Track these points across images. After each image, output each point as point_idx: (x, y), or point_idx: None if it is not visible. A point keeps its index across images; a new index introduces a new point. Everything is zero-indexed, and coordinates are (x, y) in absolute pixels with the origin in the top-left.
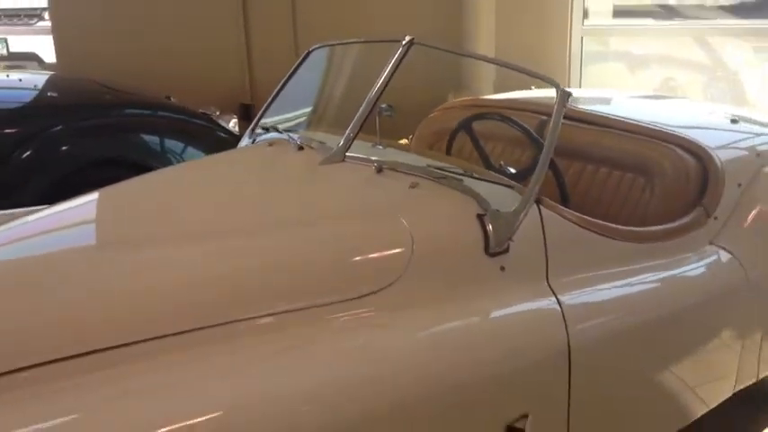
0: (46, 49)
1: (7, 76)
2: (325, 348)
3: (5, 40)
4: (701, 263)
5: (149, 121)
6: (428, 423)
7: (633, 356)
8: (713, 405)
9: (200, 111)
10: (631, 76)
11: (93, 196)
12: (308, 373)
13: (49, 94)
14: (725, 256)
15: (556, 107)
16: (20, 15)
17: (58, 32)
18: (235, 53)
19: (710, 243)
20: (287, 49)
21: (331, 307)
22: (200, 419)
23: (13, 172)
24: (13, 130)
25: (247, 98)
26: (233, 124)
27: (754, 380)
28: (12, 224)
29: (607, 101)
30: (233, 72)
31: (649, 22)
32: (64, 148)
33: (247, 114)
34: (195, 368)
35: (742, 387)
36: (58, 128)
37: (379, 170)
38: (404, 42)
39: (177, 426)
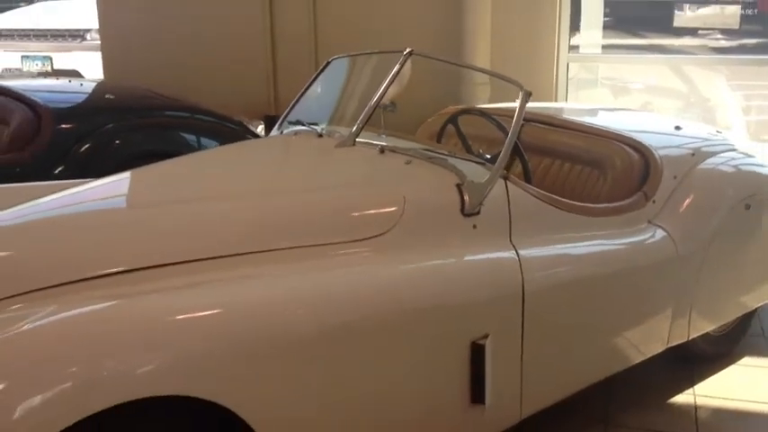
0: (85, 67)
1: (69, 81)
2: (328, 273)
3: (50, 59)
4: (640, 237)
5: (187, 122)
6: (410, 334)
7: (576, 303)
8: (648, 356)
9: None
10: (615, 100)
11: (155, 166)
12: (311, 287)
13: (106, 96)
14: (660, 233)
15: (519, 104)
16: (64, 36)
17: (105, 49)
18: (262, 70)
19: (649, 222)
20: (308, 67)
21: (338, 245)
22: (241, 308)
23: (73, 162)
24: (75, 127)
25: (272, 110)
26: (260, 129)
27: (684, 339)
28: (87, 186)
29: (578, 111)
30: (259, 87)
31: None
32: (117, 142)
33: (272, 125)
34: (232, 278)
35: (674, 344)
36: (111, 125)
37: (382, 151)
38: (404, 53)
39: (221, 311)
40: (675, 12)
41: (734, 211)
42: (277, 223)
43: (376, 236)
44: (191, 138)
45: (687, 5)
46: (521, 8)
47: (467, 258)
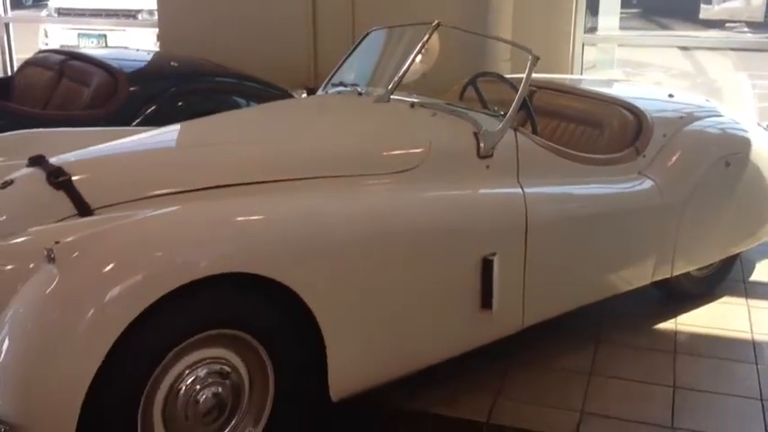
0: (137, 43)
1: (137, 50)
2: (369, 194)
3: (105, 36)
4: (630, 184)
5: (238, 87)
6: (433, 247)
7: (572, 235)
8: (635, 286)
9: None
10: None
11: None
12: (355, 203)
13: (171, 64)
14: (648, 183)
15: (528, 66)
16: (117, 15)
17: (162, 25)
18: (304, 46)
19: (639, 173)
20: (345, 43)
21: (376, 176)
22: (301, 214)
23: (143, 119)
24: (145, 89)
25: (312, 83)
26: (303, 96)
27: (668, 276)
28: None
29: (585, 81)
30: (301, 61)
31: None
32: (179, 104)
33: (313, 94)
34: (293, 194)
35: (658, 279)
36: (174, 89)
37: (412, 106)
38: (433, 24)
39: (285, 214)
40: (702, 5)
41: (715, 167)
42: (328, 157)
43: (407, 170)
44: (241, 101)
45: None
46: None
47: (481, 191)
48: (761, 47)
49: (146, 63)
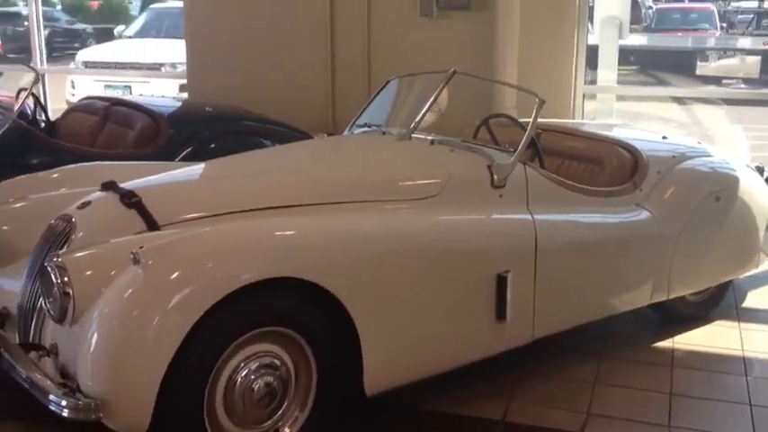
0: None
1: (173, 98)
2: (395, 216)
3: (130, 87)
4: (628, 214)
5: (264, 131)
6: (454, 264)
7: (576, 258)
8: (635, 306)
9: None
10: None
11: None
12: (382, 223)
13: (206, 109)
14: (645, 214)
15: (535, 108)
16: (142, 68)
17: (191, 77)
18: (323, 95)
19: (636, 205)
20: (362, 92)
21: (401, 201)
22: (339, 230)
23: (180, 161)
24: (183, 131)
25: (330, 129)
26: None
27: (665, 298)
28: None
29: (586, 125)
30: (320, 108)
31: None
32: (212, 145)
33: None
34: (333, 214)
35: (656, 301)
36: (208, 132)
37: (432, 142)
38: (449, 71)
39: (326, 230)
40: (698, 62)
41: (706, 201)
42: (359, 184)
43: (429, 197)
44: (267, 143)
45: (710, 55)
46: (544, 48)
47: (494, 216)
48: (752, 97)
49: (183, 108)
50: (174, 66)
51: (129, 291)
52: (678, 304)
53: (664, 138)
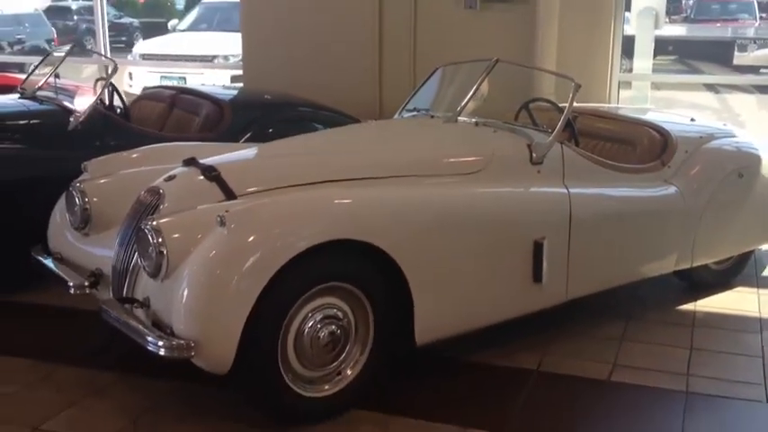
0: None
1: (233, 87)
2: (445, 189)
3: (185, 78)
4: (657, 189)
5: (317, 116)
6: (496, 231)
7: (607, 227)
8: (661, 272)
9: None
10: None
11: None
12: (434, 194)
13: (264, 96)
14: (672, 189)
15: (571, 92)
16: (196, 59)
17: (246, 66)
18: (370, 83)
19: (665, 181)
20: (408, 78)
21: (450, 176)
22: (394, 199)
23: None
24: (244, 117)
25: (376, 114)
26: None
27: (689, 266)
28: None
29: (620, 109)
30: (368, 96)
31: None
32: (270, 130)
33: None
34: (389, 186)
35: (680, 268)
36: (266, 118)
37: (476, 124)
38: (493, 60)
39: (384, 198)
40: (736, 52)
41: (729, 178)
42: (411, 161)
43: (473, 172)
44: (319, 127)
45: (748, 45)
46: (581, 38)
47: (532, 190)
48: None
49: (244, 96)
50: (226, 58)
51: (215, 250)
52: (702, 272)
53: (692, 120)
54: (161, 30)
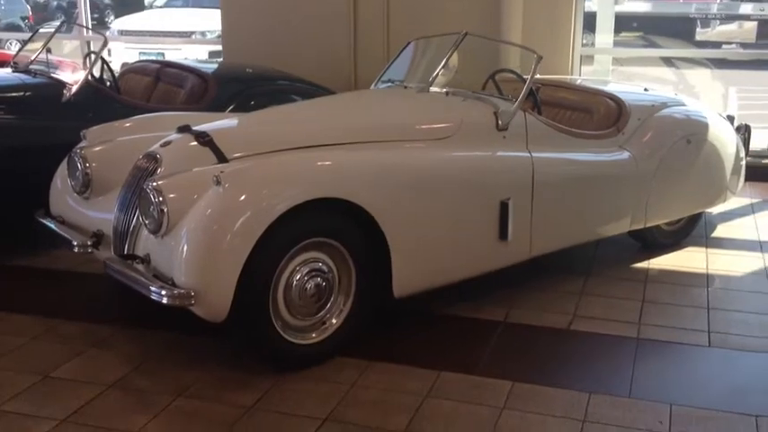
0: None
1: (217, 60)
2: (417, 152)
3: (163, 54)
4: (612, 154)
5: (295, 89)
6: (465, 191)
7: (567, 189)
8: (617, 232)
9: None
10: None
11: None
12: (406, 157)
13: (246, 70)
14: (626, 154)
15: (534, 64)
16: (174, 36)
17: (225, 40)
18: (346, 58)
19: (619, 147)
20: (381, 52)
21: (421, 141)
22: (368, 161)
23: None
24: (228, 89)
25: (353, 88)
26: None
27: (642, 226)
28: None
29: (582, 80)
30: (344, 70)
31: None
32: (252, 102)
33: None
34: (362, 150)
35: (634, 228)
36: (248, 90)
37: (447, 94)
38: (462, 33)
39: (360, 160)
40: (698, 28)
41: (678, 144)
42: (386, 126)
43: (444, 138)
44: (298, 99)
45: (711, 21)
46: (545, 13)
47: (498, 154)
48: (737, 58)
49: (227, 69)
50: (203, 34)
51: (211, 208)
52: (655, 232)
53: (645, 90)
54: (133, 7)
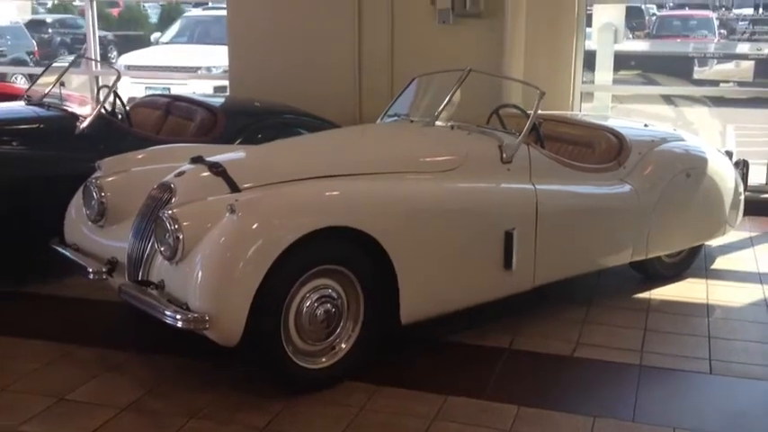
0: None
1: (225, 95)
2: (422, 184)
3: (169, 89)
4: (614, 188)
5: (302, 122)
6: (471, 222)
7: (570, 220)
8: (618, 263)
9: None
10: None
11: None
12: (410, 189)
13: (255, 104)
14: (627, 187)
15: (537, 100)
16: (180, 71)
17: (232, 76)
18: (351, 93)
19: (620, 180)
20: (386, 88)
21: (428, 173)
22: (378, 192)
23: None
24: (237, 123)
25: (358, 123)
26: None
27: (644, 257)
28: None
29: (584, 115)
30: (349, 105)
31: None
32: (259, 135)
33: None
34: (365, 182)
35: (635, 259)
36: (256, 123)
37: (452, 128)
38: (466, 69)
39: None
40: (696, 67)
41: (678, 178)
42: (393, 159)
43: (449, 170)
44: (305, 132)
45: (708, 60)
46: (546, 51)
47: (502, 186)
48: (736, 96)
49: (235, 103)
50: (209, 69)
51: (225, 236)
52: (656, 264)
53: (645, 125)
54: (136, 43)
